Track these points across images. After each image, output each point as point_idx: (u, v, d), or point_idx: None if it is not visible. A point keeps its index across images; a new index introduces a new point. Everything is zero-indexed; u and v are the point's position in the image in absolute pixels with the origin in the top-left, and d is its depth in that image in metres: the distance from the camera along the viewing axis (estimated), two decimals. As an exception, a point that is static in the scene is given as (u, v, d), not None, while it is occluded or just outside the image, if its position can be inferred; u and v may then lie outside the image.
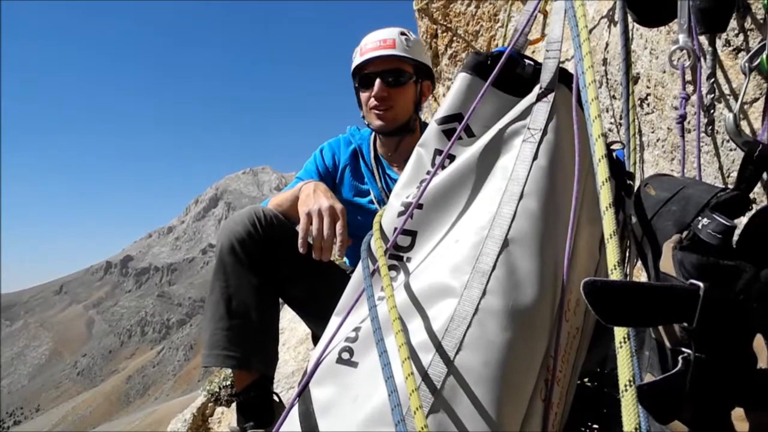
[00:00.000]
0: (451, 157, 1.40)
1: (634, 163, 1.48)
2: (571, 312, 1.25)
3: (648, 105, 2.14)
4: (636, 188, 1.27)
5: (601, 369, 2.00)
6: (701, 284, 0.83)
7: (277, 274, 1.93)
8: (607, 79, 2.27)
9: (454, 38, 4.59)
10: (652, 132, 2.14)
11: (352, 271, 2.30)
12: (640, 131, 2.09)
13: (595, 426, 1.87)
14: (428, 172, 1.42)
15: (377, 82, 2.21)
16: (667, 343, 0.96)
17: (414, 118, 2.33)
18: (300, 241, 1.73)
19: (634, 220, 1.19)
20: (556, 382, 1.19)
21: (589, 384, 1.98)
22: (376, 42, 2.22)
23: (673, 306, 0.81)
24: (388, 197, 2.26)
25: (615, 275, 0.78)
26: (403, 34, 2.25)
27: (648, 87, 2.10)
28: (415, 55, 2.25)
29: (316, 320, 2.11)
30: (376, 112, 2.24)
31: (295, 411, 1.27)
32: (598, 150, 0.96)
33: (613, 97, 2.28)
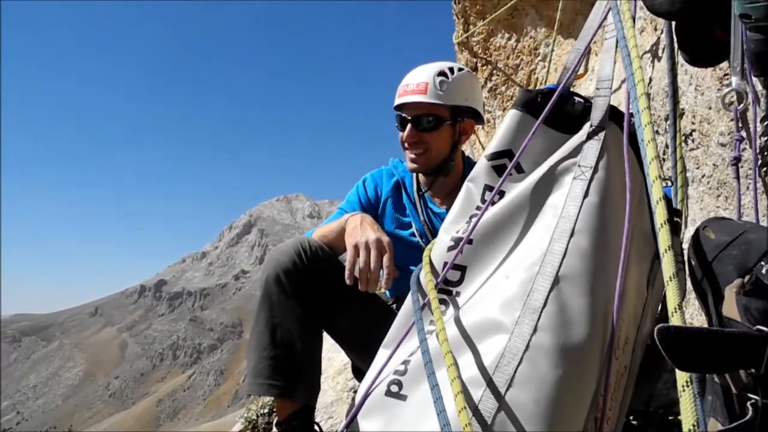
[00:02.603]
0: (501, 193, 1.41)
1: (682, 200, 1.48)
2: (620, 350, 1.24)
3: (693, 141, 2.12)
4: (695, 231, 1.27)
5: (647, 407, 1.96)
6: None
7: (322, 305, 1.94)
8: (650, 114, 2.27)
9: (494, 71, 4.62)
10: (697, 168, 2.12)
11: (392, 303, 2.30)
12: (684, 167, 2.07)
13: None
14: (478, 207, 1.44)
15: (408, 126, 2.20)
16: (733, 389, 0.95)
17: (450, 159, 2.29)
18: (347, 273, 1.74)
19: (693, 262, 1.19)
20: (606, 421, 1.18)
21: (634, 422, 1.95)
22: (412, 84, 2.19)
23: (741, 352, 0.81)
24: (430, 230, 2.25)
25: (675, 318, 0.78)
26: (441, 74, 2.18)
27: (693, 123, 2.09)
28: (450, 98, 2.18)
29: (359, 351, 2.11)
30: (410, 155, 2.25)
31: (343, 443, 1.28)
32: (656, 192, 0.96)
33: (657, 132, 2.27)
